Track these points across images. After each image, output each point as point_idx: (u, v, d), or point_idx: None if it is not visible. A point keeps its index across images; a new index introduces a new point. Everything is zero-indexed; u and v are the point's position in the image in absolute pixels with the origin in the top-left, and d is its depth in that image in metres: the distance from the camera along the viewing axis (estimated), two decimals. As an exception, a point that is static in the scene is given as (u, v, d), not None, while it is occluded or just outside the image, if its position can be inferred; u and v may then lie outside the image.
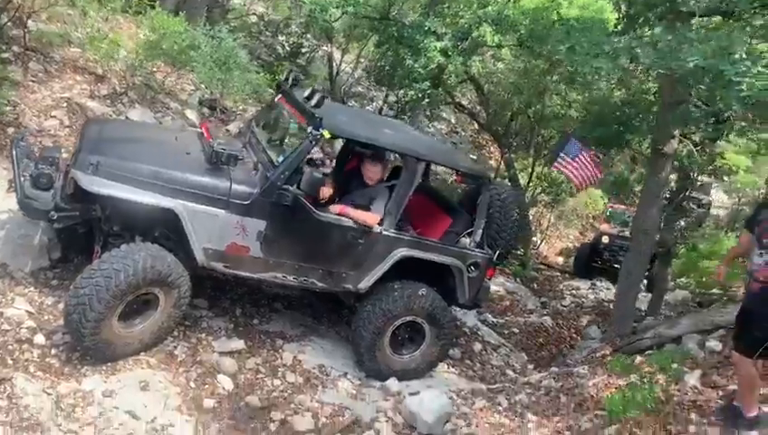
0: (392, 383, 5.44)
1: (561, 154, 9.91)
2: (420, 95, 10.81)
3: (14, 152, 5.12)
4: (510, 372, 6.53)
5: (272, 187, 4.95)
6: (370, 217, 5.38)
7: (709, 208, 16.69)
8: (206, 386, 4.86)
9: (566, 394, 5.18)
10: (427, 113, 13.40)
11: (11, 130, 6.49)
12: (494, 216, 5.93)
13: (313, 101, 5.24)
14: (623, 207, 14.57)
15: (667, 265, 10.12)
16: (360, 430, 4.76)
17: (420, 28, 10.47)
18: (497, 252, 5.90)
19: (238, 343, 5.33)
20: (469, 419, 4.84)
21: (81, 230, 5.29)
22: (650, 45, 4.53)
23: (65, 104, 7.52)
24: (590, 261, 13.36)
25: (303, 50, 14.47)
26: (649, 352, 5.78)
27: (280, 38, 15.07)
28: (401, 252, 5.45)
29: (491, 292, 7.11)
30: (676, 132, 6.07)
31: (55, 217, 4.77)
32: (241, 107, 10.32)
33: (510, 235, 6.07)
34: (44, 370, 4.43)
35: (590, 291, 12.48)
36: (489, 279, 6.08)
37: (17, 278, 5.08)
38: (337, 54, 15.17)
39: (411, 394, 5.08)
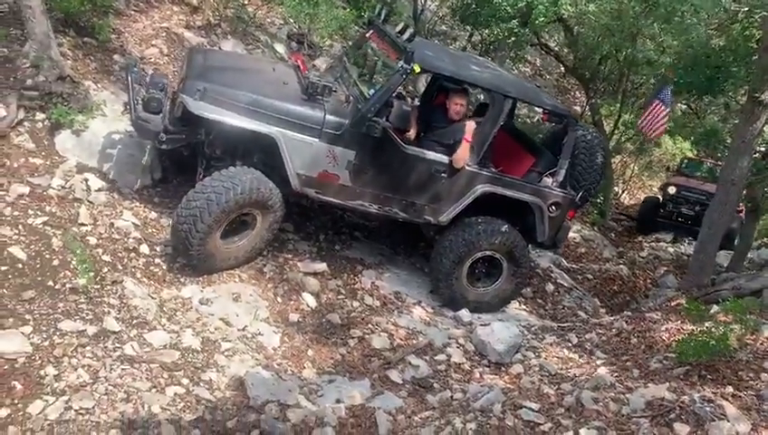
0: (464, 314, 5.66)
1: (656, 101, 9.62)
2: (506, 34, 10.59)
3: (128, 78, 5.53)
4: (581, 314, 6.61)
5: (362, 118, 5.14)
6: (463, 160, 5.50)
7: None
8: (292, 302, 5.23)
9: (637, 336, 5.24)
10: (512, 54, 13.05)
11: (116, 56, 6.89)
12: (578, 157, 5.99)
13: (405, 36, 5.38)
14: (703, 159, 13.89)
15: (755, 221, 9.76)
16: (433, 353, 5.02)
17: (510, -36, 10.18)
18: (580, 193, 5.94)
19: (321, 266, 5.65)
20: (538, 352, 5.01)
21: (185, 153, 5.70)
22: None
23: (164, 34, 7.88)
24: (655, 214, 12.50)
25: (390, -14, 14.30)
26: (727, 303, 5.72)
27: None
28: (482, 188, 5.58)
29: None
30: (777, 80, 5.80)
31: (164, 139, 5.17)
32: (328, 42, 10.46)
33: (594, 178, 6.13)
34: (149, 277, 4.89)
35: (671, 244, 12.19)
36: (570, 220, 6.15)
37: (124, 194, 5.53)
38: (423, -9, 14.92)
39: (483, 325, 5.27)
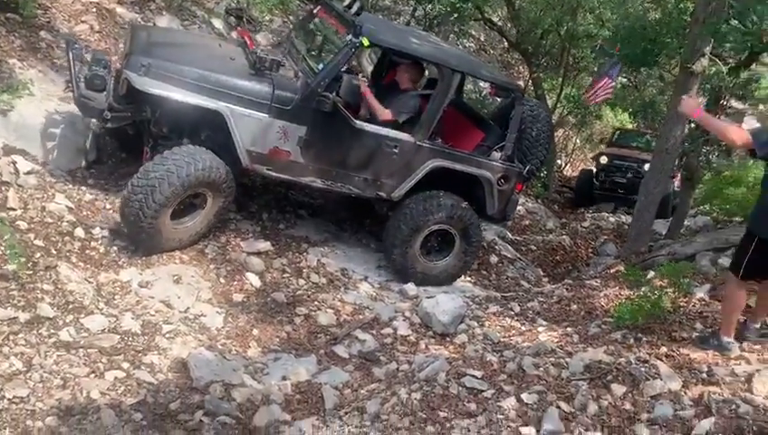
0: (410, 287, 5.71)
1: (605, 78, 9.88)
2: (449, 9, 10.59)
3: (69, 55, 5.33)
4: (524, 283, 6.76)
5: (312, 93, 5.12)
6: (383, 112, 5.56)
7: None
8: (235, 282, 5.16)
9: (577, 303, 5.38)
10: (456, 29, 13.08)
11: (43, 33, 6.59)
12: (525, 131, 6.10)
13: (353, 10, 5.35)
14: (634, 129, 14.21)
15: (691, 189, 10.11)
16: (380, 327, 5.05)
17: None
18: (527, 166, 6.05)
19: (265, 245, 5.59)
20: (482, 321, 5.09)
21: (130, 132, 5.57)
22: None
23: (95, 9, 7.57)
24: (590, 186, 12.70)
25: (331, -40, 14.11)
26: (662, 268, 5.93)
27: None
28: (434, 162, 5.64)
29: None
30: (707, 50, 5.97)
31: (109, 117, 5.02)
32: (268, 17, 10.26)
33: (541, 151, 6.26)
34: (85, 261, 4.75)
35: (612, 214, 12.52)
36: (518, 193, 6.28)
37: (56, 176, 5.33)
38: (365, -35, 14.76)
39: (428, 297, 5.32)
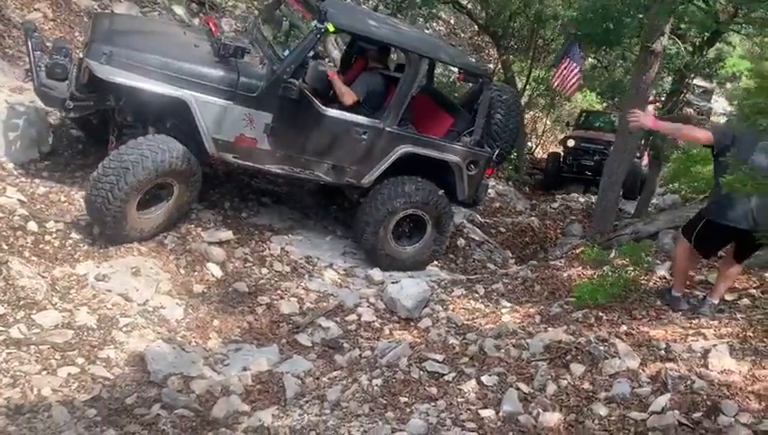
0: (376, 273, 5.67)
1: (566, 59, 9.87)
2: (414, -8, 10.50)
3: (28, 43, 5.21)
4: (491, 266, 6.77)
5: (278, 80, 5.08)
6: (348, 94, 5.54)
7: (709, 116, 16.50)
8: (196, 273, 5.08)
9: (540, 284, 5.40)
10: (423, 12, 12.99)
11: (-6, 22, 6.40)
12: (495, 116, 6.10)
13: None
14: (600, 111, 14.25)
15: (658, 168, 10.22)
16: (344, 314, 5.02)
17: None
18: (497, 151, 6.06)
19: (227, 234, 5.50)
20: (447, 304, 5.07)
21: (94, 121, 5.50)
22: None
23: (49, -3, 7.37)
24: (558, 169, 12.76)
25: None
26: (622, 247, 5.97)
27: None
28: (403, 148, 5.62)
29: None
30: (666, 29, 5.98)
31: (71, 106, 4.91)
32: (231, 3, 10.08)
33: (510, 136, 6.28)
34: (39, 255, 4.63)
35: (581, 195, 12.61)
36: (488, 178, 6.30)
37: (8, 169, 5.18)
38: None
39: (393, 283, 5.29)
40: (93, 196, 4.71)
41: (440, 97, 6.83)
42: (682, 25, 5.78)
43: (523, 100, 14.22)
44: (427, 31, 16.69)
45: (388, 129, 5.54)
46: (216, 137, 5.09)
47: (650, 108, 4.62)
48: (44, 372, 3.73)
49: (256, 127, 5.18)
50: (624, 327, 4.25)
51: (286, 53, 5.26)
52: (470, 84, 7.17)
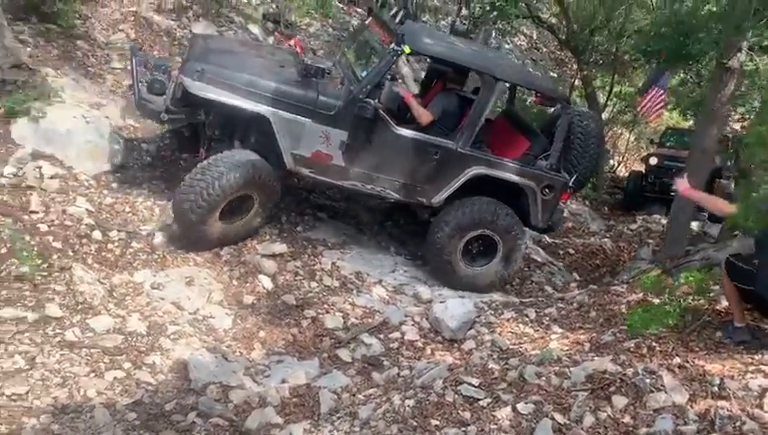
0: (424, 291, 5.62)
1: (655, 87, 9.51)
2: (488, 7, 10.42)
3: (132, 60, 5.76)
4: (548, 289, 6.54)
5: (354, 99, 5.29)
6: (424, 114, 5.65)
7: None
8: (248, 284, 5.22)
9: (597, 310, 5.16)
10: (499, 27, 12.85)
11: (79, 42, 6.87)
12: (574, 142, 6.03)
13: (397, 19, 5.57)
14: (688, 127, 13.52)
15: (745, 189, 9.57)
16: (388, 331, 4.99)
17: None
18: (574, 176, 5.97)
19: (281, 247, 5.63)
20: (494, 327, 4.94)
21: (186, 134, 5.92)
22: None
23: (132, 18, 7.86)
24: (640, 188, 12.07)
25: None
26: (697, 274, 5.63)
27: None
28: (474, 170, 5.65)
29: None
30: (743, 45, 5.62)
31: (166, 119, 5.41)
32: (306, 21, 10.37)
33: (590, 162, 6.17)
34: (100, 262, 4.90)
35: (664, 217, 12.01)
36: (564, 203, 6.24)
37: (80, 180, 5.53)
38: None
39: (440, 302, 5.22)
40: (181, 202, 5.09)
41: (519, 120, 6.84)
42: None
43: (605, 115, 13.78)
44: (507, 46, 16.53)
45: (460, 149, 5.60)
46: (295, 152, 5.37)
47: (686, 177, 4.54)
48: (92, 375, 3.92)
49: (332, 144, 5.41)
50: (678, 359, 3.99)
51: (364, 74, 5.47)
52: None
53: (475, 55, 6.01)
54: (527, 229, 6.16)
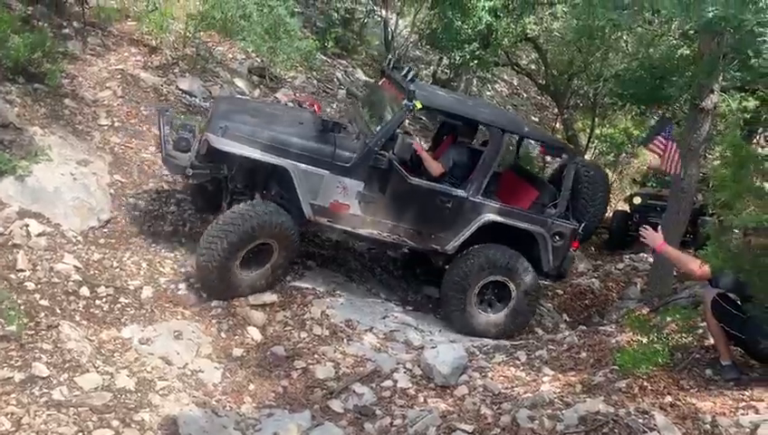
0: (415, 337, 5.61)
1: (659, 137, 9.69)
2: (468, 57, 10.69)
3: (160, 120, 6.07)
4: (539, 331, 6.55)
5: (369, 151, 5.57)
6: (436, 165, 5.95)
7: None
8: (237, 337, 5.20)
9: (587, 351, 5.17)
10: (479, 75, 13.15)
11: (67, 100, 6.96)
12: (581, 191, 6.30)
13: (408, 77, 5.82)
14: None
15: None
16: (380, 379, 4.95)
17: (468, -13, 10.33)
18: (583, 224, 6.19)
19: (270, 297, 5.63)
20: (485, 371, 4.93)
21: (210, 188, 6.18)
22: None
23: (119, 76, 7.97)
24: (625, 227, 11.98)
25: (357, 15, 14.49)
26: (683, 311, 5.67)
27: (336, 4, 15.11)
28: (486, 217, 5.85)
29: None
30: (716, 87, 5.80)
31: (191, 174, 5.62)
32: (291, 74, 10.56)
33: (597, 210, 6.43)
34: (88, 319, 4.87)
35: (651, 255, 12.08)
36: (574, 250, 6.38)
37: (68, 237, 5.53)
38: (392, 18, 15.12)
39: (431, 348, 5.21)
40: (201, 253, 5.28)
41: (526, 172, 7.16)
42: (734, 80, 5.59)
43: (587, 156, 14.02)
44: (488, 93, 16.89)
45: (471, 198, 5.80)
46: (313, 202, 5.58)
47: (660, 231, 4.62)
48: (80, 434, 3.85)
49: (349, 194, 5.64)
50: (669, 398, 4.02)
51: (378, 128, 5.69)
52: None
53: (480, 110, 6.36)
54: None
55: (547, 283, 8.76)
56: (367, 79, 12.44)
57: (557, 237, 6.03)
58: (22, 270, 4.94)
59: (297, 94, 10.31)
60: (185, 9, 9.64)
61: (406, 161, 5.79)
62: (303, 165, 5.48)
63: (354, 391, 4.77)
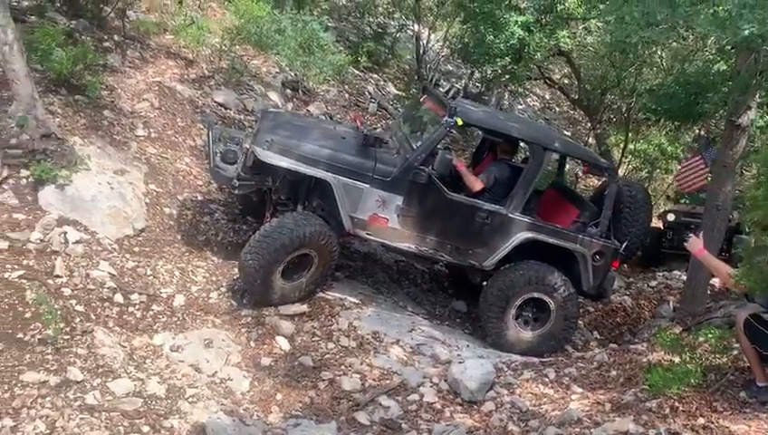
0: (443, 351, 5.60)
1: (699, 157, 9.60)
2: (500, 71, 10.69)
3: (209, 133, 6.32)
4: (568, 348, 6.47)
5: (409, 166, 5.65)
6: (475, 181, 5.97)
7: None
8: (265, 346, 5.25)
9: (617, 369, 5.10)
10: (511, 89, 13.12)
11: (106, 111, 7.14)
12: (623, 211, 6.26)
13: (450, 95, 5.80)
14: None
15: None
16: (406, 393, 4.95)
17: (501, 2, 10.35)
18: (624, 244, 6.13)
19: (300, 308, 5.68)
20: (513, 388, 4.90)
21: (254, 199, 6.39)
22: (708, 11, 4.30)
23: (156, 88, 8.15)
24: (659, 245, 11.78)
25: (390, 30, 14.60)
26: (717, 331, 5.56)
27: (369, 18, 15.25)
28: (525, 234, 5.84)
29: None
30: (752, 103, 5.71)
31: (237, 185, 5.79)
32: (323, 87, 10.68)
33: (639, 230, 6.37)
34: (121, 325, 4.97)
35: (685, 273, 11.86)
36: (615, 270, 6.36)
37: (104, 244, 5.65)
38: (424, 33, 15.20)
39: (459, 362, 5.19)
40: (244, 261, 5.42)
41: (568, 191, 7.12)
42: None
43: (621, 171, 13.86)
44: (519, 107, 16.83)
45: (510, 214, 5.81)
46: (353, 215, 5.68)
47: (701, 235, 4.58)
48: (111, 439, 3.93)
49: (388, 208, 5.70)
50: (702, 420, 3.93)
51: (418, 144, 5.77)
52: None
53: (522, 127, 6.36)
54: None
55: (584, 301, 8.75)
56: (398, 92, 12.53)
57: (597, 257, 5.97)
58: (59, 276, 5.06)
59: (329, 107, 10.45)
60: (221, 23, 9.86)
61: (445, 177, 5.82)
62: (345, 178, 5.59)
63: (380, 404, 4.78)
